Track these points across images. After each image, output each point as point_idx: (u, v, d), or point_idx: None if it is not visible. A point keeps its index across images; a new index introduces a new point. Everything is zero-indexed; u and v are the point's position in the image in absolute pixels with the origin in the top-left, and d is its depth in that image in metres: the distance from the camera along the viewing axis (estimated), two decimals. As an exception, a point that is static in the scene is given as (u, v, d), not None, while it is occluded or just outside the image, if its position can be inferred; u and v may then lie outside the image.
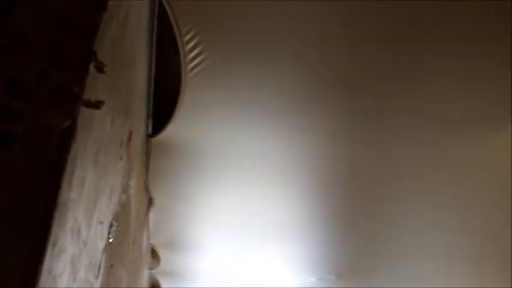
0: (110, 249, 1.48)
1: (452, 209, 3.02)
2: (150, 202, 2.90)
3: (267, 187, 2.85)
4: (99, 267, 1.31)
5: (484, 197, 2.75)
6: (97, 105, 0.82)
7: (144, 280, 3.74)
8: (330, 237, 3.73)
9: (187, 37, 1.76)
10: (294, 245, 3.94)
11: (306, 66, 1.92)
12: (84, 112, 0.83)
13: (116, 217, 1.53)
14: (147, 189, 2.73)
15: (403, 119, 2.15)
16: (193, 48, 1.81)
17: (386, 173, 2.61)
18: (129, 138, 1.60)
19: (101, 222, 1.24)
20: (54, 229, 0.75)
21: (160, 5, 1.65)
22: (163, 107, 2.17)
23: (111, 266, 1.56)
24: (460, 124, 2.12)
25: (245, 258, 4.41)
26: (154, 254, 3.95)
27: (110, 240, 1.45)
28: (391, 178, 2.67)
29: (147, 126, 2.22)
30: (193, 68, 1.91)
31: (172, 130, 2.35)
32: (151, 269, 4.15)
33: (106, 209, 1.31)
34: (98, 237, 1.23)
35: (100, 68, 0.85)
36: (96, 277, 1.27)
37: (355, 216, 3.30)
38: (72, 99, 0.79)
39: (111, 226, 1.45)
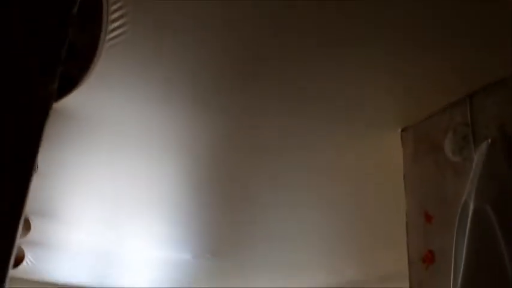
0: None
1: (337, 202, 3.26)
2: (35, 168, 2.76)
3: (149, 164, 2.86)
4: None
5: (374, 191, 3.01)
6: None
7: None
8: (206, 217, 3.82)
9: (114, 7, 1.71)
10: (170, 222, 3.97)
11: (220, 47, 1.93)
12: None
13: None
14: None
15: (299, 117, 2.26)
16: (117, 19, 1.76)
17: (266, 159, 2.74)
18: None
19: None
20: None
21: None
22: (69, 73, 2.07)
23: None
24: (354, 124, 2.29)
25: (119, 232, 4.36)
26: (24, 221, 3.74)
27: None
28: (270, 164, 2.81)
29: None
30: (111, 39, 1.86)
31: (72, 97, 2.26)
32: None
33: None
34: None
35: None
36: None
37: (231, 198, 3.42)
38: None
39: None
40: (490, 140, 1.70)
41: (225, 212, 3.71)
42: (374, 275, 5.20)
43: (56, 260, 5.38)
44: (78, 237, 4.43)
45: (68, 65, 2.00)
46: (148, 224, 4.05)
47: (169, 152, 2.72)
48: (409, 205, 2.10)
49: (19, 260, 4.38)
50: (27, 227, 3.84)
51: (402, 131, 2.27)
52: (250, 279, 5.95)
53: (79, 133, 2.56)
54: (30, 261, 5.18)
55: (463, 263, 1.53)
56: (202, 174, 3.01)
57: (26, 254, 4.62)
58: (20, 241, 4.07)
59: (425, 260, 1.95)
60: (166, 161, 2.83)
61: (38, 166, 3.05)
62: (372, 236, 3.98)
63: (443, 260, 1.87)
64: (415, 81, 1.98)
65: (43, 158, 2.86)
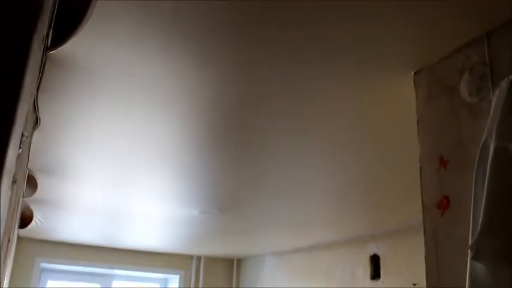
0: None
1: (347, 152, 3.20)
2: (36, 122, 2.68)
3: (156, 118, 2.79)
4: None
5: (385, 138, 2.94)
6: None
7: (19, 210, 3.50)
8: (213, 173, 3.79)
9: None
10: (177, 178, 3.94)
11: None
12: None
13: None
14: (35, 107, 2.52)
15: (308, 63, 2.17)
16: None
17: (274, 110, 2.66)
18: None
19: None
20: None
21: None
22: (67, 18, 1.98)
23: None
24: (364, 68, 2.20)
25: (127, 189, 4.34)
26: (31, 180, 3.70)
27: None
28: (278, 116, 2.73)
29: (47, 37, 2.01)
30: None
31: (71, 45, 2.17)
32: (24, 196, 3.89)
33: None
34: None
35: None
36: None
37: (238, 153, 3.37)
38: None
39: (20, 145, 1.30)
40: (511, 77, 1.61)
41: (232, 167, 3.67)
42: (383, 229, 5.19)
43: (65, 219, 5.40)
44: (86, 195, 4.42)
45: (62, 11, 1.89)
46: (156, 180, 4.02)
47: (176, 107, 2.64)
48: (423, 150, 2.03)
49: (28, 220, 4.38)
50: (34, 185, 3.80)
51: (415, 73, 2.17)
52: (258, 234, 5.98)
53: (85, 86, 2.48)
54: (39, 220, 5.20)
55: (483, 204, 1.47)
56: (210, 129, 2.95)
57: (34, 214, 4.61)
58: (27, 200, 4.04)
59: (440, 206, 1.89)
60: (173, 116, 2.76)
61: (41, 120, 2.96)
62: (382, 189, 3.94)
63: (459, 205, 1.81)
64: (428, 21, 1.88)
65: (47, 112, 2.80)
